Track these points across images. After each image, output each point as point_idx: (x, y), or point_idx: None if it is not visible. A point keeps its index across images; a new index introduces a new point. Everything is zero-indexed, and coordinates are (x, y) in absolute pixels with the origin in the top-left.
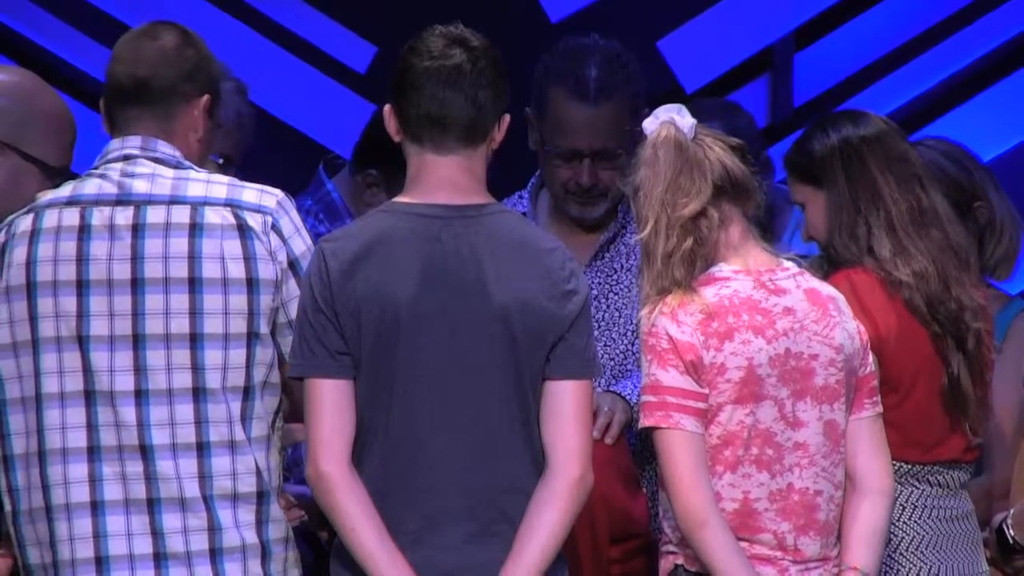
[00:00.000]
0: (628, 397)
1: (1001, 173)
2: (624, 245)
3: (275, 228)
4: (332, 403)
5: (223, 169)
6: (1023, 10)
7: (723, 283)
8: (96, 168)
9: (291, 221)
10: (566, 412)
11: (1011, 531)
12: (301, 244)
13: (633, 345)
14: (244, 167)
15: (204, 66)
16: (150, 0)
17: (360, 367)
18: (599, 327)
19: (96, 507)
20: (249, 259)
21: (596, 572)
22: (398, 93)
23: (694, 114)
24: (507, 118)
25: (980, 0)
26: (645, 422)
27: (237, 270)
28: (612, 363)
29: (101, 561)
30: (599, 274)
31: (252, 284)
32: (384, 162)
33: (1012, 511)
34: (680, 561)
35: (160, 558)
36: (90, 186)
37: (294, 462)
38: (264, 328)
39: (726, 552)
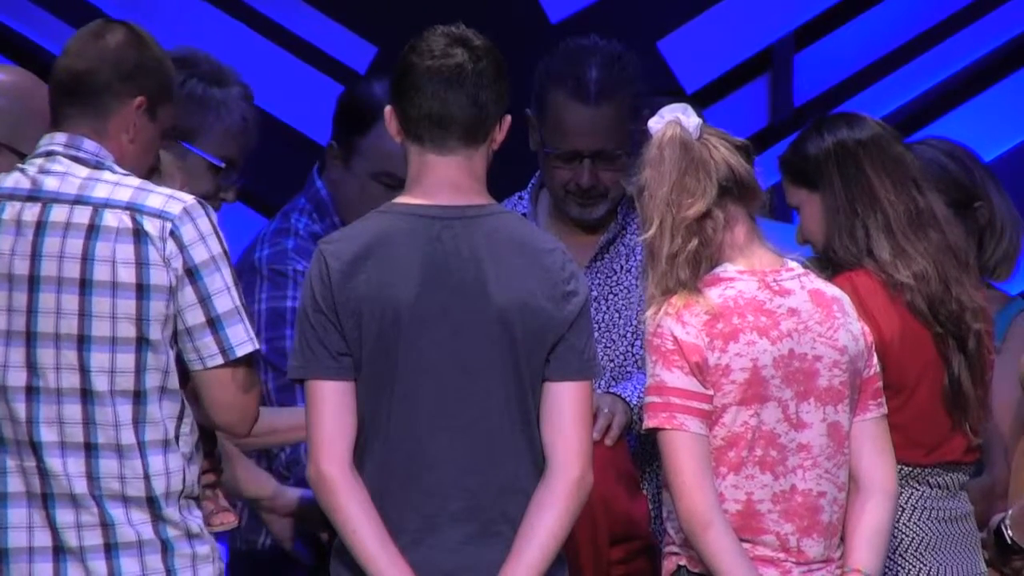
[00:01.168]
0: (628, 399)
1: (1001, 173)
2: (624, 246)
3: (173, 234)
4: (333, 404)
5: (226, 172)
6: (1023, 10)
7: (728, 284)
8: (22, 162)
9: (195, 228)
10: (566, 413)
11: (1009, 532)
12: (203, 252)
13: (633, 346)
14: (244, 168)
15: (148, 67)
16: (150, 0)
17: (360, 368)
18: (599, 328)
19: (0, 499)
20: (141, 264)
21: (596, 573)
22: (399, 93)
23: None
24: (508, 119)
25: (980, 0)
26: (649, 423)
27: (128, 275)
28: (612, 364)
29: (2, 553)
30: (599, 275)
31: (142, 289)
32: (342, 136)
33: (1010, 512)
34: (683, 562)
35: (58, 552)
36: (9, 180)
37: (292, 462)
38: (156, 334)
39: (730, 554)
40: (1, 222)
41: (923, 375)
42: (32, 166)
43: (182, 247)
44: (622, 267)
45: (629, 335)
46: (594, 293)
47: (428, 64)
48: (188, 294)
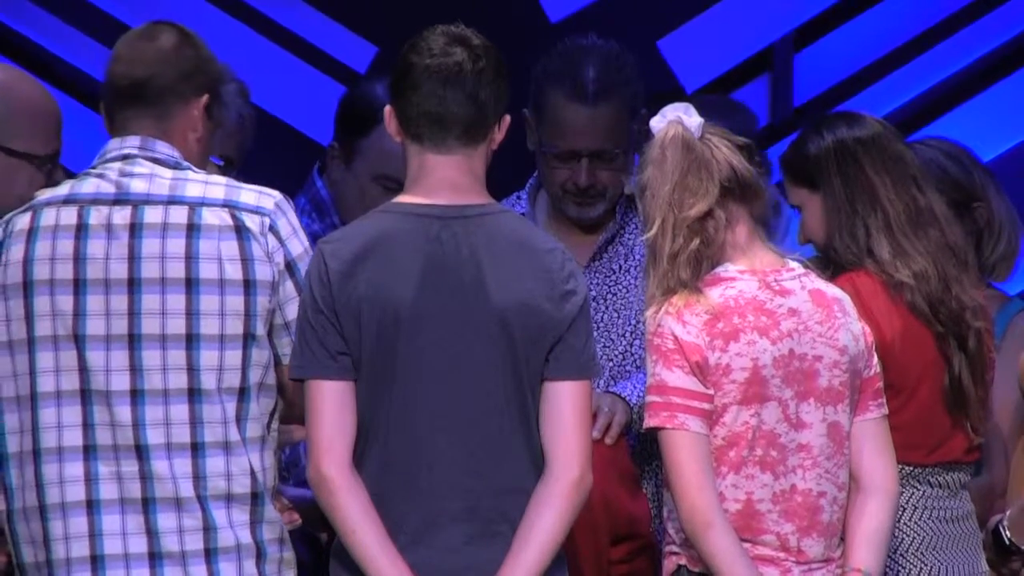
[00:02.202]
0: (628, 398)
1: (1001, 173)
2: (622, 246)
3: (272, 229)
4: (333, 404)
5: (224, 171)
6: (1023, 10)
7: (728, 283)
8: (94, 167)
9: (288, 223)
10: (565, 413)
11: (1007, 533)
12: (298, 245)
13: (632, 346)
14: (244, 167)
15: (203, 66)
16: (150, 0)
17: (360, 368)
18: (598, 328)
19: (92, 506)
20: (246, 260)
21: (596, 573)
22: (398, 92)
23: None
24: (507, 118)
25: (980, 1)
26: (650, 422)
27: (234, 271)
28: (611, 364)
29: (96, 560)
30: (598, 275)
31: (249, 285)
32: (343, 136)
33: (1008, 513)
34: (683, 562)
35: (155, 557)
36: (88, 185)
37: (291, 462)
38: (260, 330)
39: (730, 554)
40: (89, 227)
41: (924, 375)
42: (111, 170)
43: (281, 242)
44: (621, 267)
45: (628, 335)
46: (593, 293)
47: (427, 63)
48: (289, 288)
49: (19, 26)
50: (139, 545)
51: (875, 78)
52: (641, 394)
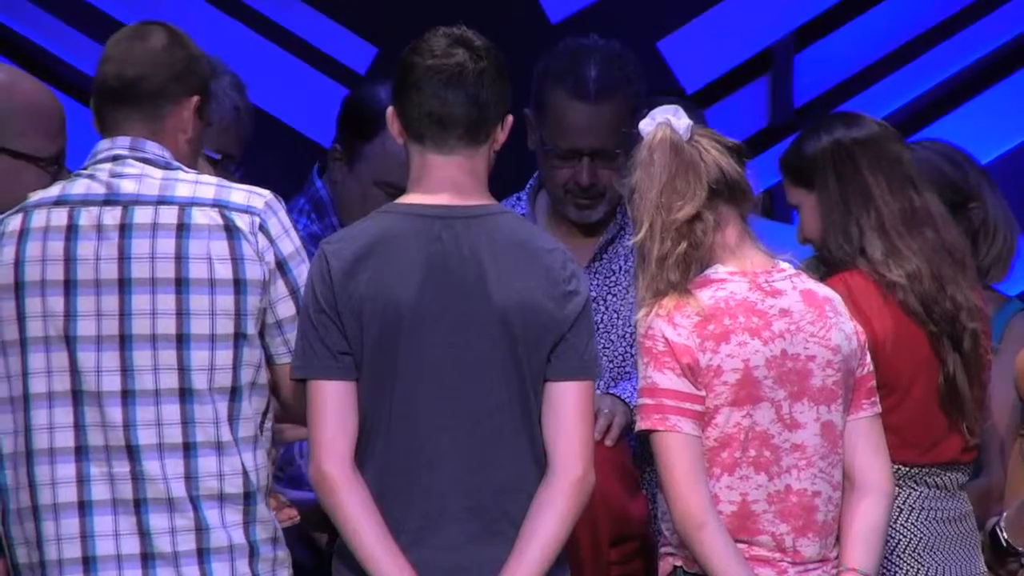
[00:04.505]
0: (628, 399)
1: (1001, 174)
2: (622, 247)
3: (263, 229)
4: (334, 404)
5: (222, 166)
6: (1023, 11)
7: (719, 285)
8: (85, 168)
9: (279, 222)
10: (567, 413)
11: (1003, 534)
12: (289, 244)
13: (632, 347)
14: (244, 168)
15: (194, 66)
16: (150, 0)
17: (362, 367)
18: (597, 329)
19: (84, 507)
20: (236, 260)
21: (596, 573)
22: (400, 92)
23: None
24: (510, 119)
25: (980, 1)
26: (642, 425)
27: (224, 271)
28: (611, 365)
29: (88, 561)
30: (597, 276)
31: (239, 285)
32: (346, 140)
33: (1004, 514)
34: (679, 563)
35: (148, 558)
36: (78, 186)
37: (286, 461)
38: (251, 329)
39: (724, 554)
40: (79, 228)
41: (917, 374)
42: (101, 171)
43: (272, 241)
44: (620, 268)
45: (628, 336)
46: (593, 294)
47: (429, 63)
48: (280, 287)
49: (19, 26)
50: (131, 546)
51: (875, 79)
52: None
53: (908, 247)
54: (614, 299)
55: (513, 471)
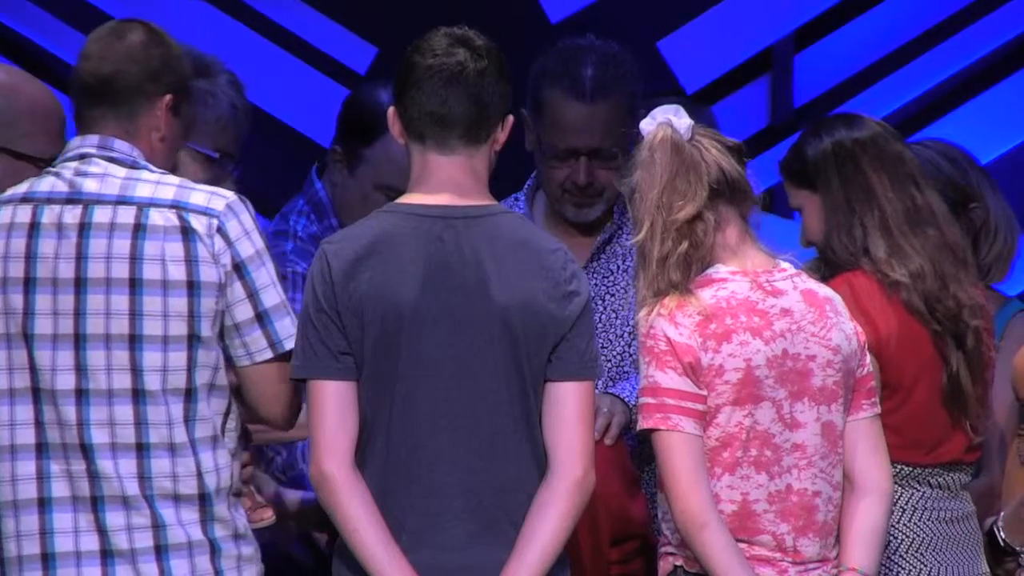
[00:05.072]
0: (627, 399)
1: (1001, 174)
2: (620, 247)
3: (220, 231)
4: (335, 404)
5: (220, 164)
6: (1023, 11)
7: (720, 284)
8: (54, 166)
9: (240, 224)
10: (568, 413)
11: (1001, 533)
12: (249, 247)
13: (630, 347)
14: (244, 167)
15: (171, 65)
16: (149, 0)
17: (363, 367)
18: (596, 329)
19: (43, 504)
20: (191, 261)
21: (596, 573)
22: (401, 92)
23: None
24: (511, 118)
25: (980, 1)
26: (644, 424)
27: (178, 272)
28: (609, 365)
29: (48, 558)
30: (596, 276)
31: (193, 287)
32: (347, 142)
33: (1002, 513)
34: (680, 563)
35: (106, 555)
36: (44, 184)
37: (288, 464)
38: (207, 331)
39: (726, 554)
40: (41, 226)
41: (921, 374)
42: (67, 169)
43: (229, 243)
44: (619, 267)
45: (626, 335)
46: (591, 294)
47: (429, 63)
48: (237, 289)
49: (19, 26)
50: (90, 543)
51: (875, 79)
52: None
53: (911, 246)
54: (612, 298)
55: (513, 471)
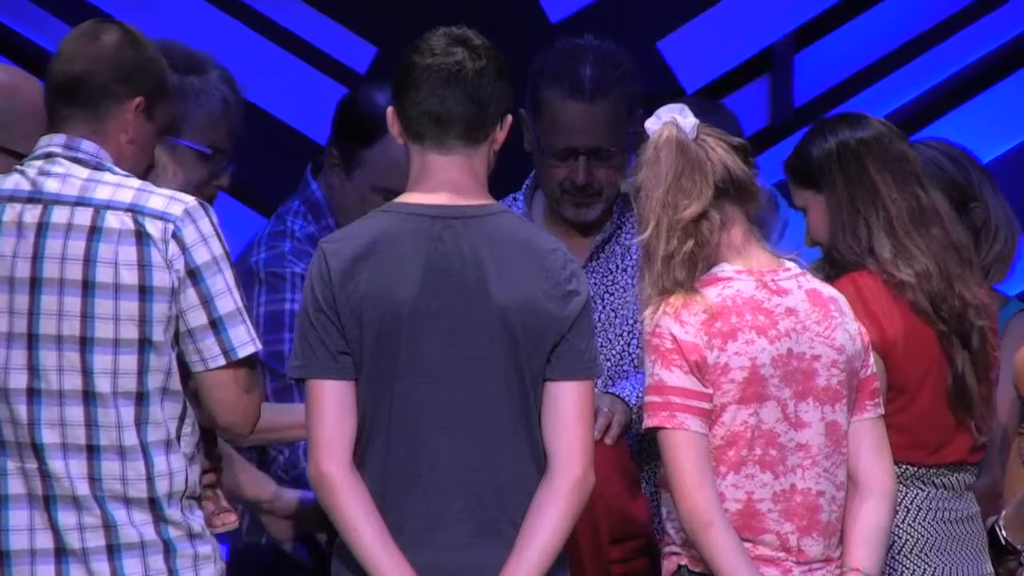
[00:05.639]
0: (627, 399)
1: (1001, 174)
2: (619, 246)
3: (176, 236)
4: (334, 404)
5: (213, 160)
6: (1023, 11)
7: (726, 283)
8: (20, 164)
9: (197, 230)
10: (567, 413)
11: (1003, 532)
12: (206, 253)
13: (630, 346)
14: (242, 166)
15: (144, 66)
16: (149, 1)
17: (361, 367)
18: (595, 328)
19: (0, 501)
20: (144, 266)
21: (597, 573)
22: (400, 92)
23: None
24: (509, 118)
25: (980, 1)
26: (649, 422)
27: (130, 276)
28: (609, 364)
29: (2, 556)
30: (595, 275)
31: (145, 291)
32: (343, 144)
33: (1004, 512)
34: (684, 562)
35: (60, 554)
36: (9, 182)
37: (291, 464)
38: (159, 336)
39: (731, 553)
40: (2, 224)
41: (927, 374)
42: (32, 168)
43: (184, 248)
44: (618, 267)
45: (626, 335)
46: (590, 293)
47: (428, 62)
48: (190, 296)
49: (19, 26)
50: (45, 541)
51: (875, 78)
52: (640, 395)
53: (916, 245)
54: (611, 298)
55: (513, 471)
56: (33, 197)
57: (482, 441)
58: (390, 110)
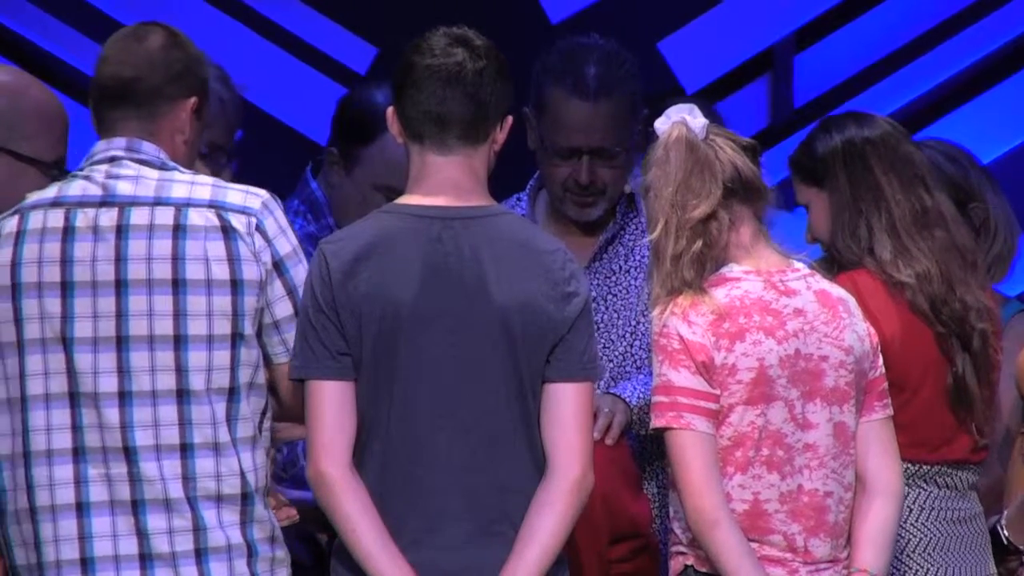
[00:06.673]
0: (628, 399)
1: (1002, 174)
2: (623, 246)
3: (259, 229)
4: (333, 404)
5: (212, 158)
6: (1023, 11)
7: (734, 284)
8: (81, 169)
9: (276, 222)
10: (566, 414)
11: (1004, 532)
12: (286, 244)
13: (632, 347)
14: (243, 168)
15: (192, 68)
16: (150, 1)
17: (361, 367)
18: (598, 329)
19: (81, 508)
20: (233, 260)
21: (597, 573)
22: (400, 92)
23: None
24: (509, 119)
25: (981, 1)
26: (657, 422)
27: (221, 271)
28: (611, 365)
29: (86, 562)
30: (598, 276)
31: (236, 285)
32: (343, 143)
33: (1006, 512)
34: (690, 562)
35: (145, 559)
36: (75, 188)
37: (290, 462)
38: (249, 329)
39: (737, 553)
40: (76, 230)
41: (926, 374)
42: (98, 172)
43: (268, 241)
44: (621, 267)
45: (628, 336)
46: (593, 294)
47: (428, 63)
48: (277, 287)
49: (19, 27)
50: (129, 547)
51: (876, 79)
52: (641, 395)
53: (918, 247)
54: (614, 298)
55: (512, 472)
56: (106, 201)
57: (482, 441)
58: (390, 110)
